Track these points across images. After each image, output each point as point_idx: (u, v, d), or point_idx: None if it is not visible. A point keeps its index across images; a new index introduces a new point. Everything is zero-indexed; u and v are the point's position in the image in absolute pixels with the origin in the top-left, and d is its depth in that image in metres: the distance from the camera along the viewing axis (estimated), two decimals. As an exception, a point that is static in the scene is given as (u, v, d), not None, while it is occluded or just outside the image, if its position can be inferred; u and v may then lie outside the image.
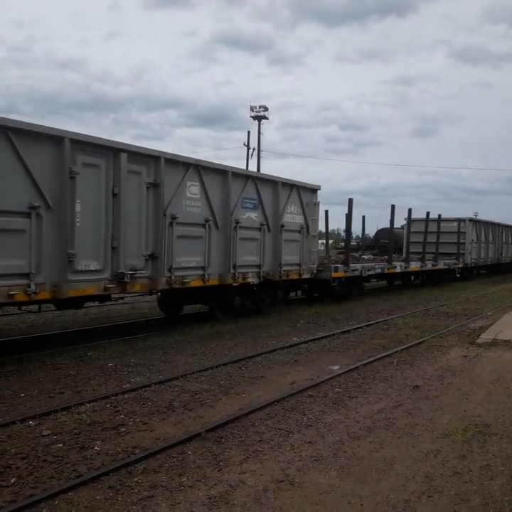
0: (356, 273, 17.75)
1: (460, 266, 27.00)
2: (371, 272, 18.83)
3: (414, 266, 22.45)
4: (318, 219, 16.53)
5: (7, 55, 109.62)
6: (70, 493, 4.21)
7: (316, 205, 16.09)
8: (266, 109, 44.64)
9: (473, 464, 4.92)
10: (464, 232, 28.04)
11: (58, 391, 7.05)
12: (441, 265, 24.75)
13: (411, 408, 6.54)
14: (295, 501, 4.19)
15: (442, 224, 26.77)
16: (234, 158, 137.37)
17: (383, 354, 9.45)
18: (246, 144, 42.53)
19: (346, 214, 18.32)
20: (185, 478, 4.53)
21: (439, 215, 26.25)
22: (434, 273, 24.69)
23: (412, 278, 24.42)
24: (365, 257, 23.79)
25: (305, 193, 15.55)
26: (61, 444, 5.20)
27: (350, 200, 17.93)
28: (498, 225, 34.81)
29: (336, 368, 8.52)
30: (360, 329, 12.22)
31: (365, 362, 8.82)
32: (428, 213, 25.10)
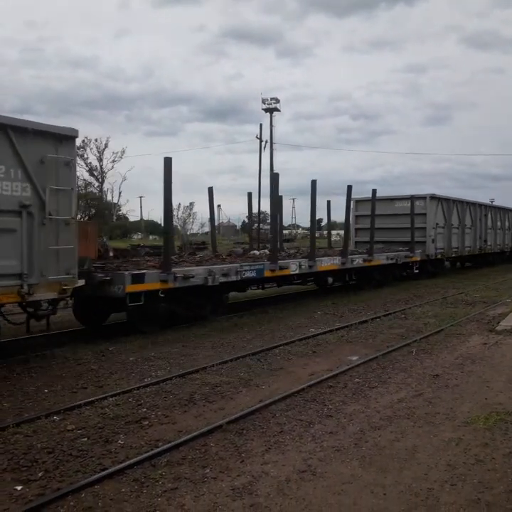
0: (196, 281, 11.08)
1: (417, 259, 20.45)
2: (232, 278, 12.05)
3: (329, 263, 15.72)
4: (75, 191, 9.11)
5: (20, 56, 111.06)
6: (95, 486, 4.29)
7: (69, 164, 8.83)
8: (277, 101, 44.50)
9: (495, 452, 4.90)
10: (424, 214, 21.74)
11: (81, 386, 7.16)
12: (382, 259, 18.17)
13: (431, 397, 6.53)
14: (318, 491, 4.21)
15: (396, 204, 21.34)
16: (247, 152, 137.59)
17: (402, 344, 9.43)
18: (258, 136, 42.45)
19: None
20: (208, 470, 4.59)
21: (374, 191, 18.65)
22: (373, 271, 18.16)
23: (330, 280, 17.18)
24: (257, 252, 17.26)
25: (31, 141, 8.25)
26: (86, 438, 5.29)
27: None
28: (480, 205, 27.32)
29: (354, 358, 8.52)
30: (378, 319, 12.18)
31: (384, 352, 8.81)
32: (349, 187, 17.33)
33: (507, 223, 32.05)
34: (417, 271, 20.59)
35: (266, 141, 42.59)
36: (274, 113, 44.04)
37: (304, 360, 8.45)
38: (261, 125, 42.92)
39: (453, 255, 24.22)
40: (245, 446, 5.09)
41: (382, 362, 8.23)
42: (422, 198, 22.11)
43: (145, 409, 6.15)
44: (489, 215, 28.54)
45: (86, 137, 61.41)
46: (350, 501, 4.06)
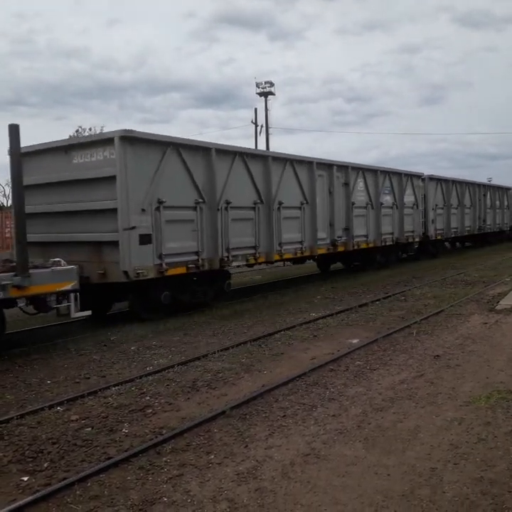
0: None
1: (67, 286, 8.41)
2: None
3: None
4: None
5: (11, 47, 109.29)
6: (101, 475, 4.30)
7: None
8: (272, 84, 44.06)
9: (497, 430, 4.93)
10: (113, 178, 9.60)
11: (84, 376, 7.18)
12: None
13: (433, 377, 6.56)
14: (322, 474, 4.24)
15: (75, 160, 10.00)
16: (242, 137, 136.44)
17: (402, 325, 9.45)
18: (254, 121, 42.18)
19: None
20: (212, 456, 4.61)
21: None
22: None
23: None
24: None
25: None
26: (90, 428, 5.32)
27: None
28: (337, 166, 15.66)
29: (355, 341, 8.55)
30: (377, 302, 12.21)
31: (384, 334, 8.83)
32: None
33: (412, 198, 19.80)
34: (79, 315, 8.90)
35: (261, 126, 42.39)
36: (269, 97, 43.73)
37: (305, 345, 8.48)
38: (256, 109, 42.66)
39: (201, 267, 11.12)
40: (249, 431, 5.12)
41: (383, 344, 8.26)
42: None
43: (148, 398, 6.17)
44: (362, 183, 16.83)
45: (80, 127, 61.05)
46: (354, 483, 4.09)
